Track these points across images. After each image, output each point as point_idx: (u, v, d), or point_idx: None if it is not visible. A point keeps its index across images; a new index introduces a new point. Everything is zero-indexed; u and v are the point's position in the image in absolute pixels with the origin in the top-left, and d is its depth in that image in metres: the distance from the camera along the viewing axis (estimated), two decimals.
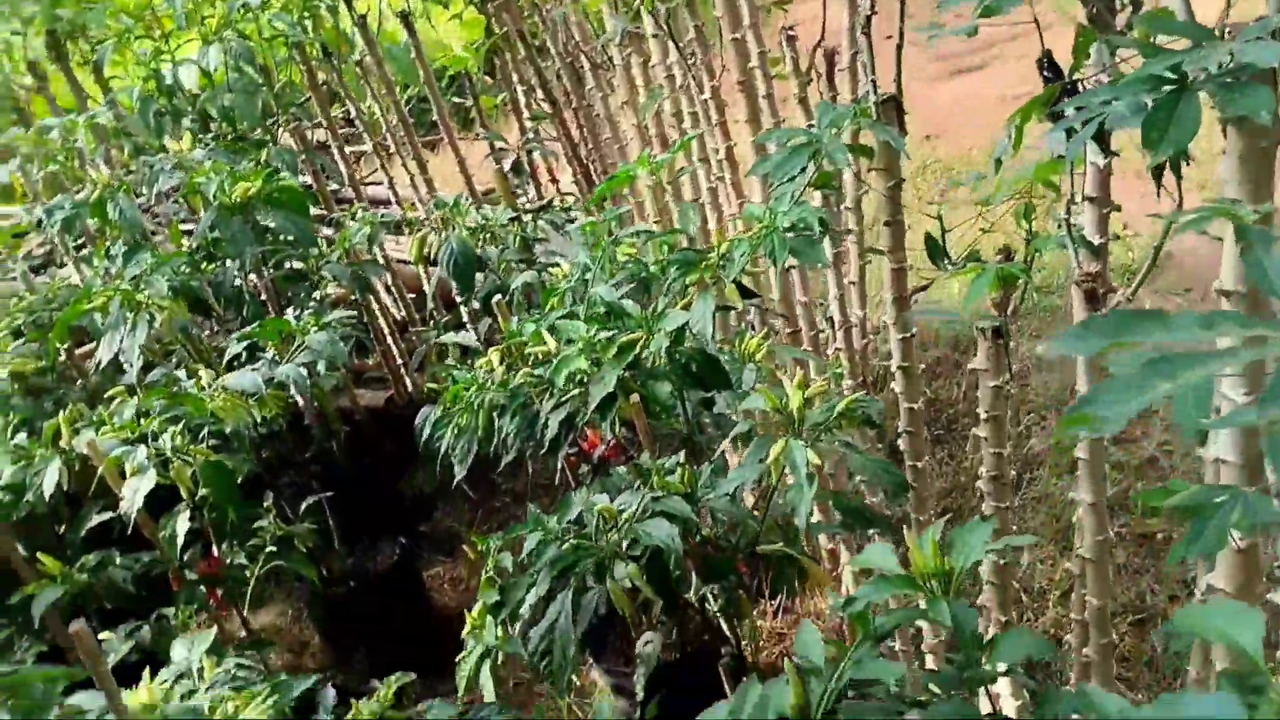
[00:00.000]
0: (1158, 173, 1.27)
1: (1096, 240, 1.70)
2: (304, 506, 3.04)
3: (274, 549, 2.84)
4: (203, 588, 2.58)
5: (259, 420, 2.47)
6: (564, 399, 2.06)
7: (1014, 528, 2.78)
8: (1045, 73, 1.54)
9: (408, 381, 4.74)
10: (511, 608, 1.89)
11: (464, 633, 2.01)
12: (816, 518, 2.36)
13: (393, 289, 4.69)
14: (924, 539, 1.32)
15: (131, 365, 2.75)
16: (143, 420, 2.41)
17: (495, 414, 2.29)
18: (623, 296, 2.10)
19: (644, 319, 2.02)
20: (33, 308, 3.06)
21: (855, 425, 1.74)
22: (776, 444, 1.68)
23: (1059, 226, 1.80)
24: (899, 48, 1.94)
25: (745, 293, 1.99)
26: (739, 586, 1.93)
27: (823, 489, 1.83)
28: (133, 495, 2.23)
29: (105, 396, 2.90)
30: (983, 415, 2.02)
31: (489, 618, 1.96)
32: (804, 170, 1.95)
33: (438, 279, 2.98)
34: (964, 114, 6.85)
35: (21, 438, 2.60)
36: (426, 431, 2.35)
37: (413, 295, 4.77)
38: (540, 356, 2.17)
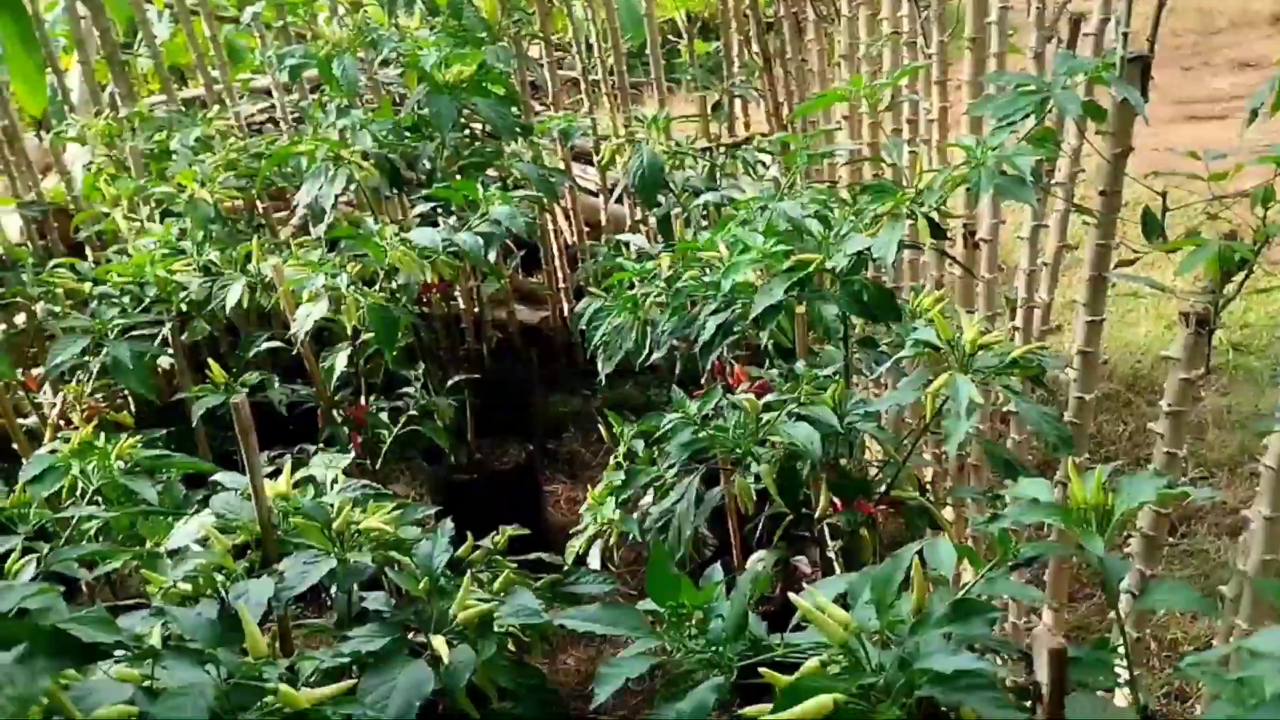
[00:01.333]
0: None
1: None
2: (449, 384, 3.14)
3: (415, 414, 2.95)
4: (346, 430, 2.69)
5: (428, 280, 2.54)
6: (725, 305, 2.03)
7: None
8: None
9: (565, 306, 4.83)
10: (635, 490, 1.89)
11: (582, 509, 2.03)
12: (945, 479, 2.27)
13: (570, 214, 4.78)
14: (1088, 476, 1.24)
15: (325, 213, 2.89)
16: (325, 264, 2.52)
17: (648, 326, 2.30)
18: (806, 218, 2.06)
19: (824, 239, 1.98)
20: (247, 147, 3.25)
21: (1027, 375, 1.66)
22: (941, 376, 1.61)
23: None
24: (1161, 5, 1.82)
25: (936, 231, 1.92)
26: (864, 526, 1.87)
27: (978, 434, 1.75)
28: (304, 319, 2.34)
29: (295, 243, 3.06)
30: (1164, 409, 1.89)
31: (610, 498, 1.97)
32: (1027, 117, 1.86)
33: (622, 188, 3.00)
34: (1190, 162, 6.44)
35: (215, 255, 2.76)
36: (585, 320, 2.37)
37: (587, 229, 4.84)
38: (711, 264, 2.16)
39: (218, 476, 1.84)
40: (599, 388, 4.33)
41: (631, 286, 2.38)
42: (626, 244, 2.85)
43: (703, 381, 2.53)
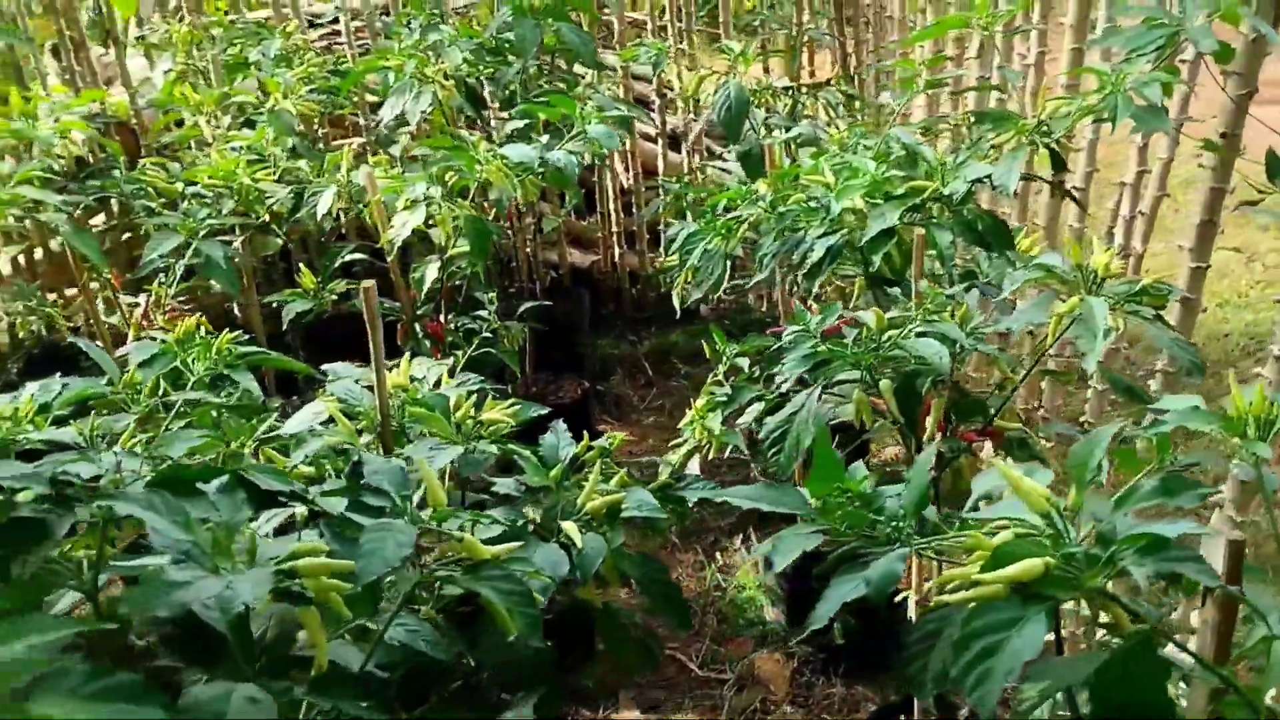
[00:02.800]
0: None
1: None
2: (520, 310, 3.15)
3: (489, 335, 2.97)
4: (428, 344, 2.71)
5: (518, 200, 2.55)
6: (834, 229, 2.04)
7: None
8: None
9: (616, 251, 4.83)
10: (739, 405, 1.90)
11: (681, 424, 2.04)
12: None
13: (628, 157, 4.76)
14: (1247, 387, 1.25)
15: (396, 132, 2.89)
16: (419, 175, 2.52)
17: (728, 260, 2.31)
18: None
19: (939, 166, 1.98)
20: (325, 63, 3.24)
21: (1156, 304, 1.66)
22: (1071, 299, 1.62)
23: None
24: None
25: (1057, 162, 1.92)
26: (964, 454, 1.88)
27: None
28: (401, 226, 2.35)
29: (374, 160, 3.06)
30: (1274, 354, 1.89)
31: (711, 413, 1.98)
32: (1157, 50, 1.85)
33: (700, 129, 2.99)
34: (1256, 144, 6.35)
35: (304, 164, 2.76)
36: (677, 244, 2.37)
37: (643, 174, 4.83)
38: (814, 190, 2.16)
39: (333, 366, 1.86)
40: (681, 320, 4.38)
41: (727, 212, 2.38)
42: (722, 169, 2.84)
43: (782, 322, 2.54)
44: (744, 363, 2.01)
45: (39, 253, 3.31)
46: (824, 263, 2.02)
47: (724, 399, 1.95)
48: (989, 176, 1.90)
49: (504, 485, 1.57)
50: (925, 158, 2.01)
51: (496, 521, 1.26)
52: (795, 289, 2.53)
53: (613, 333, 4.82)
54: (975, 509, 1.11)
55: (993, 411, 1.81)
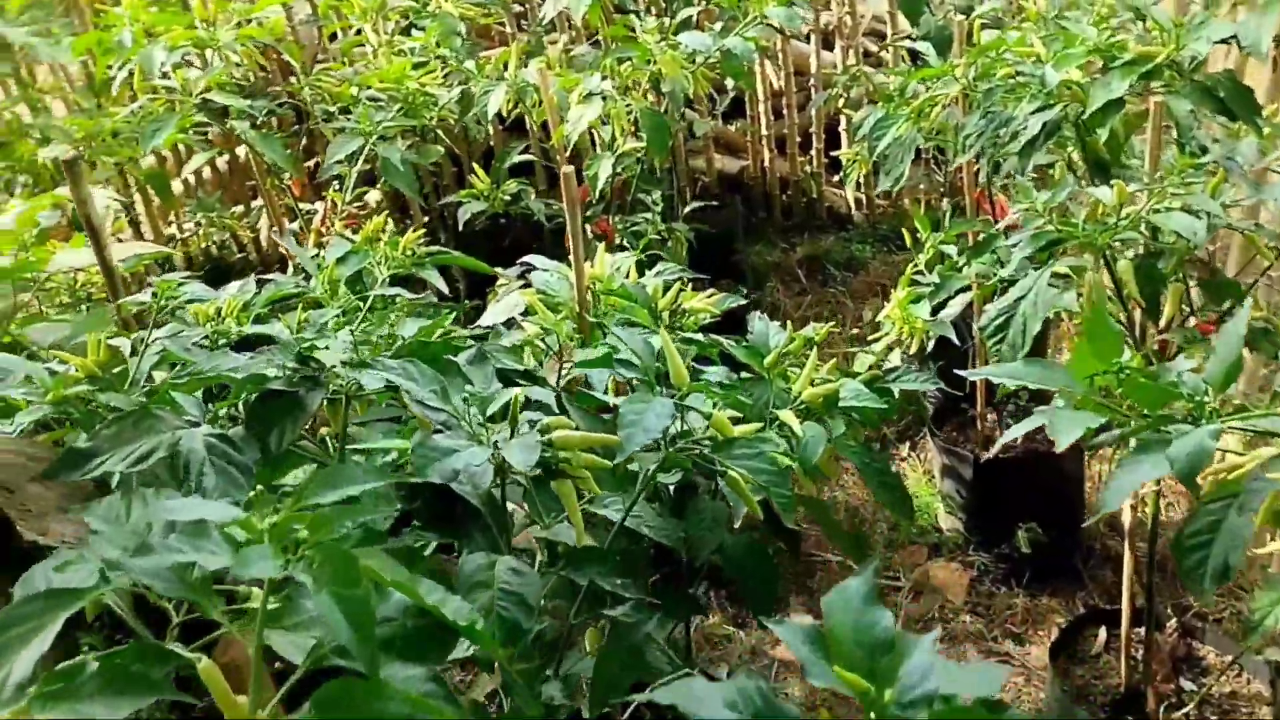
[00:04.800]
0: None
1: None
2: (685, 211, 3.08)
3: (656, 238, 2.91)
4: (598, 245, 2.67)
5: (690, 94, 2.45)
6: (1050, 103, 1.87)
7: None
8: None
9: (766, 156, 4.68)
10: (946, 295, 1.79)
11: (880, 316, 1.95)
12: None
13: (778, 57, 4.56)
14: None
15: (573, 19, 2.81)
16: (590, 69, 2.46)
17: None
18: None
19: (1173, 28, 1.79)
20: None
21: None
22: None
23: None
24: None
25: None
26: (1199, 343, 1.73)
27: None
28: (578, 120, 2.29)
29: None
30: None
31: (914, 305, 1.88)
32: None
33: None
34: None
35: (470, 64, 2.73)
36: (867, 129, 2.24)
37: (796, 75, 4.63)
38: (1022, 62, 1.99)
39: (531, 258, 1.83)
40: (834, 227, 4.25)
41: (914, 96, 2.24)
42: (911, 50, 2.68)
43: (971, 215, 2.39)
44: (951, 250, 1.89)
45: (218, 166, 3.42)
46: (1039, 139, 1.87)
47: (930, 288, 1.84)
48: (1234, 36, 1.70)
49: (714, 374, 1.51)
50: (1156, 19, 1.81)
51: (731, 402, 1.21)
52: (986, 182, 2.38)
53: (763, 240, 4.70)
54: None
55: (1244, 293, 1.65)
